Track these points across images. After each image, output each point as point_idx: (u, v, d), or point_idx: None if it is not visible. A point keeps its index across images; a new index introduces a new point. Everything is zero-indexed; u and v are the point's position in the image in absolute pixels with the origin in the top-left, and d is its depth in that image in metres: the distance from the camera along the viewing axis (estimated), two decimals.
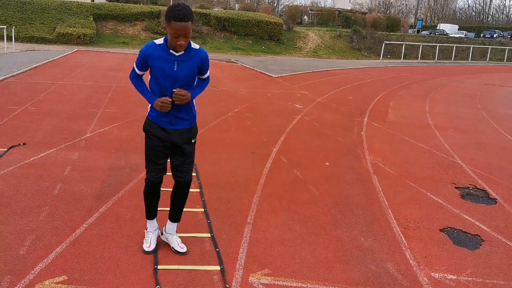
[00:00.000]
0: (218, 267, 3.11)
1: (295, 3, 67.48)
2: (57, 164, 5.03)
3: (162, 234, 3.38)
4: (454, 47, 33.92)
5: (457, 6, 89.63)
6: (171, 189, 3.23)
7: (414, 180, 5.39)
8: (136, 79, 3.07)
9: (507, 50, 36.86)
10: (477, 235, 3.97)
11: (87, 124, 7.01)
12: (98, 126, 6.93)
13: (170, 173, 3.15)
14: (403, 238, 3.80)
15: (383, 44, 29.74)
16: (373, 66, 24.72)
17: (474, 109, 11.54)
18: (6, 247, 3.17)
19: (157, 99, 2.93)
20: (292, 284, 2.98)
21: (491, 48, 36.31)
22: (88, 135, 6.41)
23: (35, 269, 2.92)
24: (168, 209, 3.32)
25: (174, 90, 2.87)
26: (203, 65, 2.99)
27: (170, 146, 3.07)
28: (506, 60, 36.55)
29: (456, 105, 12.06)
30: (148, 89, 3.03)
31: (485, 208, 4.65)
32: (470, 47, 35.12)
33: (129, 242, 3.36)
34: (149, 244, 3.26)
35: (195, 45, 2.94)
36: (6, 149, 5.43)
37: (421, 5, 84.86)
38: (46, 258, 3.07)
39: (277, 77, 15.90)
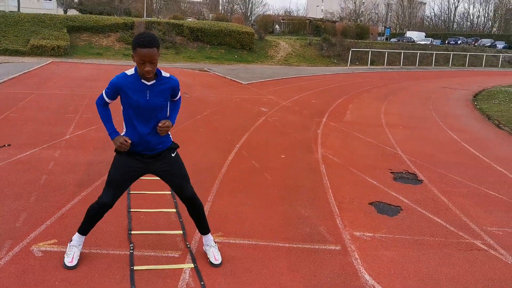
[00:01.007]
0: (180, 232, 3.84)
1: (268, 13, 68.81)
2: (41, 160, 5.68)
3: (203, 246, 3.47)
4: (418, 53, 35.47)
5: (424, 14, 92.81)
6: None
7: (356, 167, 6.22)
8: (102, 107, 3.06)
9: (468, 55, 38.68)
10: (398, 206, 4.82)
11: (66, 128, 7.64)
12: (76, 129, 7.57)
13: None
14: (337, 210, 4.60)
15: (350, 51, 30.97)
16: (340, 72, 25.84)
17: (426, 109, 12.57)
18: (4, 221, 3.83)
19: (117, 138, 2.98)
20: (239, 242, 3.74)
21: (453, 54, 38.07)
22: (67, 137, 7.05)
23: (30, 236, 3.60)
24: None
25: (159, 124, 2.96)
26: (174, 91, 3.09)
27: (141, 172, 3.11)
28: (468, 65, 38.34)
29: (411, 106, 13.09)
30: (113, 121, 3.08)
31: (411, 187, 5.51)
32: (433, 53, 36.74)
33: (107, 216, 4.03)
34: (71, 259, 3.18)
35: (165, 74, 2.99)
36: None
37: (390, 14, 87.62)
38: (39, 228, 3.75)
39: (247, 84, 16.72)
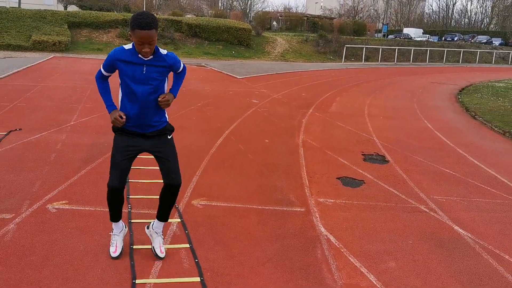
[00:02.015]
0: None
1: (268, 9, 69.36)
2: (50, 142, 6.40)
3: (147, 228, 3.50)
4: (412, 50, 36.15)
5: (424, 11, 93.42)
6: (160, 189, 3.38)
7: (332, 150, 6.94)
8: (101, 80, 3.11)
9: (462, 52, 39.35)
10: (362, 180, 5.54)
11: (71, 115, 8.35)
12: (80, 117, 8.28)
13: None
14: (307, 182, 5.33)
15: (345, 47, 31.65)
16: (335, 68, 26.51)
17: (409, 102, 13.27)
18: (22, 188, 4.56)
19: (113, 112, 3.02)
20: (220, 204, 4.47)
21: (448, 50, 38.75)
22: (72, 123, 7.76)
23: (45, 198, 4.32)
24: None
25: (158, 99, 3.01)
26: (173, 67, 3.11)
27: (138, 150, 3.15)
28: (462, 62, 39.01)
29: (396, 99, 13.79)
30: (111, 94, 3.14)
31: (378, 166, 6.23)
32: (428, 49, 37.40)
33: None
34: (115, 248, 3.35)
35: (163, 51, 3.01)
36: (6, 133, 6.75)
37: (389, 11, 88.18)
38: (52, 192, 4.47)
39: (241, 78, 17.41)
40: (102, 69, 3.06)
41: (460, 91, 17.30)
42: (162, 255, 3.35)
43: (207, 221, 4.05)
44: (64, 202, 4.25)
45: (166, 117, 3.22)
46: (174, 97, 3.14)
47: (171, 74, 3.20)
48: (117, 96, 3.12)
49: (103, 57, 24.45)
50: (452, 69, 31.49)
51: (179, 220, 4.03)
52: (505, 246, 3.87)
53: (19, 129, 7.03)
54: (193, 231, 3.84)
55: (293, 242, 3.76)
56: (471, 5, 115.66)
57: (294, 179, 5.43)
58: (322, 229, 4.03)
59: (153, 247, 3.39)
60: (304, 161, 6.22)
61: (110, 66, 3.01)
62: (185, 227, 3.87)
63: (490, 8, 79.12)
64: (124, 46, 2.97)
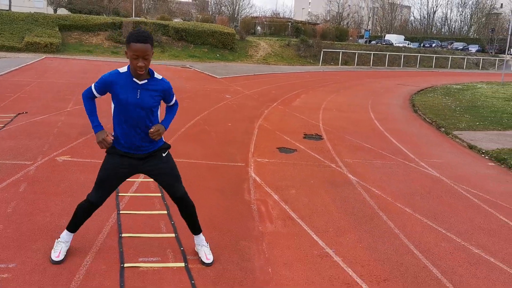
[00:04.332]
0: None
1: (255, 15, 71.27)
2: (52, 121, 7.98)
3: (196, 248, 3.50)
4: (387, 55, 38.18)
5: (409, 18, 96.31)
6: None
7: (281, 131, 8.61)
8: (89, 99, 3.09)
9: (434, 57, 41.53)
10: (295, 149, 7.21)
11: (66, 104, 9.93)
12: (74, 105, 9.86)
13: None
14: (252, 150, 6.99)
15: (322, 52, 33.53)
16: (312, 70, 28.32)
17: (366, 99, 15.02)
18: (36, 148, 6.14)
19: (100, 133, 3.03)
20: (182, 160, 6.09)
21: (422, 56, 40.88)
22: (68, 109, 9.34)
23: (53, 153, 5.92)
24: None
25: (150, 130, 2.99)
26: (166, 94, 3.10)
27: (130, 172, 3.13)
28: (435, 67, 41.15)
29: (355, 97, 15.54)
30: (97, 114, 3.14)
31: (313, 142, 7.91)
32: (402, 55, 39.48)
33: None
34: (58, 254, 3.22)
35: (158, 75, 3.02)
36: (15, 115, 8.31)
37: (376, 17, 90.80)
38: (58, 151, 6.07)
39: (221, 78, 19.07)
40: (93, 90, 3.04)
41: (418, 92, 19.12)
42: (208, 261, 3.36)
43: None
44: (68, 156, 5.86)
45: (162, 138, 3.20)
46: (166, 129, 3.14)
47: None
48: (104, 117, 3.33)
49: (93, 58, 25.97)
50: (423, 73, 33.50)
51: None
52: (376, 184, 5.57)
53: (25, 112, 8.59)
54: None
55: (230, 180, 5.40)
56: (451, 13, 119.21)
57: (243, 148, 7.09)
58: (253, 174, 5.68)
59: (200, 257, 3.41)
60: (256, 138, 7.88)
61: (103, 88, 3.00)
62: None
63: (469, 16, 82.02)
64: (118, 69, 2.99)
